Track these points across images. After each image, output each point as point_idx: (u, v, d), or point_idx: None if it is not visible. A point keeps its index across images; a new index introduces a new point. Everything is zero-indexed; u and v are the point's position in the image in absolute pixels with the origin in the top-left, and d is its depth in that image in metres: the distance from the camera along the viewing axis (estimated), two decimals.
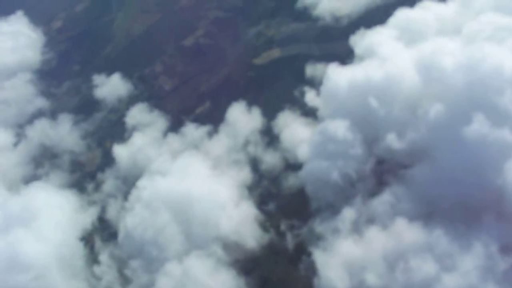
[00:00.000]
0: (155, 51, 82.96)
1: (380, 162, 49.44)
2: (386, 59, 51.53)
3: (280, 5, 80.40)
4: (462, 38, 49.61)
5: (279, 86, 68.11)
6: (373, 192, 48.41)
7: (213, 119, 66.21)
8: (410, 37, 53.73)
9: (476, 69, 44.65)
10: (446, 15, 55.43)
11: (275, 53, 74.43)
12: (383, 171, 49.30)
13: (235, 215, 52.28)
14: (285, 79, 68.70)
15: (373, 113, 49.30)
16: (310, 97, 60.91)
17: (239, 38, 78.94)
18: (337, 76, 53.71)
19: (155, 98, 75.14)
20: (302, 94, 62.98)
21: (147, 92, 76.88)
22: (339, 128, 49.93)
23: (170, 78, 79.54)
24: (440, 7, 57.38)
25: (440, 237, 42.09)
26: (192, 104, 72.55)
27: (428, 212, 44.43)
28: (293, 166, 56.21)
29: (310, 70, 65.11)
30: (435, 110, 46.05)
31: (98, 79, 79.03)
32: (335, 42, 69.26)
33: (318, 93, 60.45)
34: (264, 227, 52.80)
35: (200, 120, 67.53)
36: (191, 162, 56.90)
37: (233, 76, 73.95)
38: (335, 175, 48.98)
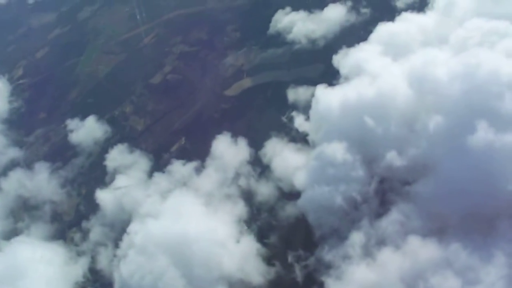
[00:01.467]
0: (123, 92, 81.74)
1: (382, 181, 48.78)
2: (376, 75, 51.63)
3: (246, 35, 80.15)
4: (451, 47, 50.11)
5: (260, 115, 67.84)
6: (379, 213, 47.95)
7: (192, 155, 64.87)
8: (396, 51, 54.02)
9: (472, 76, 45.01)
10: (428, 26, 56.17)
11: (246, 82, 74.31)
12: (387, 190, 49.02)
13: (236, 251, 51.09)
14: (264, 107, 68.39)
15: (370, 133, 49.09)
16: (298, 122, 60.40)
17: (208, 71, 78.52)
18: (326, 98, 53.53)
19: (127, 139, 73.27)
20: (287, 120, 62.47)
21: (119, 134, 75.05)
22: (337, 151, 49.49)
23: (141, 117, 78.27)
24: (421, 18, 58.26)
25: (458, 251, 41.64)
26: (167, 142, 71.16)
27: (440, 227, 44.02)
28: (289, 195, 55.44)
29: (292, 94, 64.24)
30: (434, 122, 46.14)
31: (72, 123, 76.96)
32: (314, 64, 69.13)
33: (305, 117, 59.91)
34: (268, 261, 51.70)
35: (179, 157, 65.92)
36: (182, 200, 55.54)
37: (206, 110, 73.29)
38: (339, 200, 48.33)
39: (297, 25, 72.40)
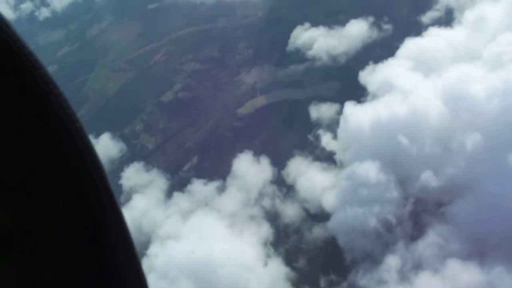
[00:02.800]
0: (133, 110, 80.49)
1: (417, 202, 47.32)
2: (408, 92, 50.40)
3: (259, 53, 79.04)
4: (485, 63, 49.07)
5: (278, 133, 66.29)
6: (415, 236, 46.63)
7: (211, 173, 63.43)
8: (426, 67, 53.05)
9: (511, 93, 43.48)
10: (458, 41, 55.05)
11: (260, 101, 72.98)
12: (422, 212, 47.47)
13: (265, 275, 49.33)
14: (281, 125, 66.95)
15: (403, 152, 47.98)
16: (325, 141, 58.74)
17: (220, 89, 77.34)
18: (356, 116, 52.09)
19: (139, 158, 71.89)
20: (314, 138, 60.61)
21: (130, 152, 73.67)
22: (370, 170, 48.20)
23: (152, 135, 77.04)
24: (449, 33, 56.99)
25: (501, 275, 40.21)
26: (178, 161, 69.71)
27: (480, 250, 42.74)
28: (316, 216, 54.06)
29: (314, 112, 62.96)
30: (472, 141, 44.87)
31: None
32: (329, 82, 68.14)
33: (331, 136, 58.44)
34: (298, 285, 49.96)
35: (197, 176, 64.46)
36: (204, 221, 54.18)
37: (218, 128, 72.02)
38: (373, 222, 46.75)
39: (318, 41, 71.04)
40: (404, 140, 47.88)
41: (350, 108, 54.46)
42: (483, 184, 43.57)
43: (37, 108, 1.86)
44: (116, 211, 2.23)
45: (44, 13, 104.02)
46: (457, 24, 60.79)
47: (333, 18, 74.23)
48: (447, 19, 64.60)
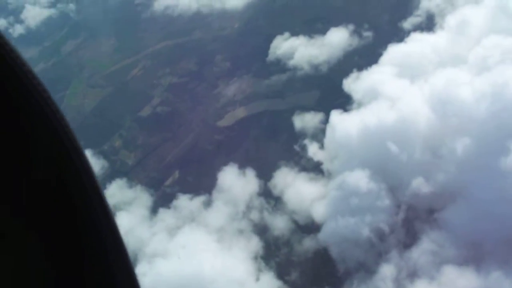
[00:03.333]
0: (111, 126, 79.16)
1: (409, 209, 46.74)
2: (394, 98, 49.98)
3: (237, 64, 78.23)
4: (471, 67, 48.79)
5: (261, 144, 65.36)
6: (408, 243, 46.01)
7: (196, 188, 62.33)
8: (411, 73, 52.74)
9: (500, 96, 43.68)
10: (441, 46, 54.95)
11: (240, 112, 72.13)
12: (414, 219, 46.89)
13: None
14: (264, 136, 65.97)
15: (393, 159, 47.58)
16: (312, 151, 57.95)
17: (198, 102, 76.32)
18: (343, 124, 51.53)
19: (119, 175, 70.50)
20: (298, 148, 60.16)
21: (110, 169, 72.23)
22: (360, 179, 47.62)
23: (131, 151, 75.63)
24: (432, 38, 56.83)
25: (498, 280, 39.86)
26: (160, 176, 68.52)
27: (476, 255, 42.33)
28: (306, 228, 53.22)
29: (299, 122, 62.42)
30: (462, 145, 44.55)
31: None
32: (309, 92, 67.67)
33: (315, 145, 57.93)
34: None
35: (182, 191, 63.22)
36: (192, 237, 52.98)
37: (199, 142, 70.97)
38: (365, 231, 45.94)
39: (299, 50, 70.45)
40: (393, 147, 47.41)
41: (337, 116, 53.89)
42: (475, 189, 43.27)
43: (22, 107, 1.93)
44: (105, 210, 2.28)
45: (18, 30, 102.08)
46: (439, 29, 60.85)
47: (313, 27, 73.89)
48: (428, 24, 64.58)
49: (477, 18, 55.25)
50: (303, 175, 57.51)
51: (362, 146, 49.61)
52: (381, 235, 46.97)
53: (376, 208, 47.16)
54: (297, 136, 62.21)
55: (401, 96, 50.38)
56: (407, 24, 66.61)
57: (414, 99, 49.35)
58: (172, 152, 72.15)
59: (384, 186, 47.37)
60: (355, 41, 69.11)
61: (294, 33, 73.39)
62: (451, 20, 58.45)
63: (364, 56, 64.41)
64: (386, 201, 47.02)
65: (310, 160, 58.56)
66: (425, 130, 47.48)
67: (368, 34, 69.11)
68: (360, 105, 54.50)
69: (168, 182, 67.53)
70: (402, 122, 48.17)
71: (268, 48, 73.81)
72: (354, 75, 60.34)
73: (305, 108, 64.39)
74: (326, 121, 59.65)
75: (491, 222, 41.55)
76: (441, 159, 46.14)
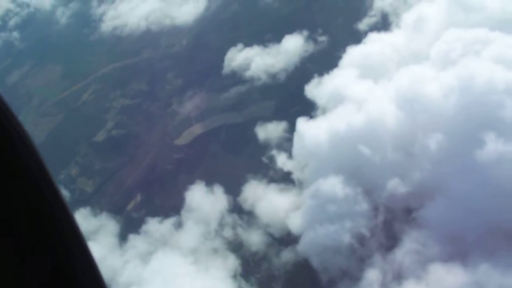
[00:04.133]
0: (66, 154, 76.49)
1: (387, 211, 46.01)
2: (360, 100, 49.27)
3: (189, 81, 76.71)
4: (433, 62, 48.50)
5: (229, 159, 64.11)
6: (390, 246, 45.21)
7: (163, 210, 60.49)
8: (373, 73, 52.34)
9: (468, 88, 43.42)
10: (400, 44, 54.63)
11: (197, 129, 70.60)
12: (393, 220, 46.19)
13: None
14: (233, 149, 64.81)
15: (366, 162, 46.84)
16: (281, 161, 56.87)
17: (153, 122, 74.62)
18: (310, 131, 50.46)
19: (79, 203, 67.96)
20: (264, 159, 58.82)
21: (70, 199, 69.60)
22: (335, 185, 46.56)
23: (89, 178, 73.26)
24: (390, 37, 56.42)
25: (488, 272, 39.26)
26: (122, 201, 66.39)
27: (460, 250, 41.86)
28: (282, 240, 52.08)
29: (262, 132, 61.17)
30: (435, 141, 44.08)
31: None
32: (263, 102, 66.72)
33: (281, 155, 56.83)
34: None
35: (149, 214, 61.19)
36: (167, 262, 51.04)
37: (158, 162, 69.16)
38: (345, 238, 44.87)
39: (255, 61, 69.19)
40: (364, 150, 46.62)
41: (303, 124, 52.79)
42: (451, 183, 42.99)
43: None
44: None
45: None
46: (395, 28, 60.65)
47: (266, 36, 72.88)
48: (384, 24, 64.42)
49: (433, 14, 55.40)
50: (273, 187, 56.30)
51: (333, 152, 48.71)
52: (362, 240, 46.11)
53: (354, 213, 46.27)
54: (262, 148, 61.05)
55: (367, 97, 49.77)
56: (362, 25, 66.28)
57: (380, 100, 48.84)
58: (132, 175, 70.12)
59: (360, 190, 46.53)
60: (311, 47, 68.51)
61: (248, 44, 72.27)
62: (407, 18, 58.51)
63: (322, 61, 63.84)
64: (363, 205, 46.20)
65: (278, 170, 57.44)
66: (394, 129, 46.95)
67: (323, 38, 68.61)
68: (324, 110, 53.72)
69: (131, 206, 65.46)
70: (370, 124, 47.50)
71: (222, 61, 72.33)
72: (315, 80, 59.39)
73: (267, 118, 63.36)
74: (290, 129, 58.93)
75: (472, 215, 41.28)
76: (414, 157, 45.66)
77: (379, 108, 47.95)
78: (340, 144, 48.25)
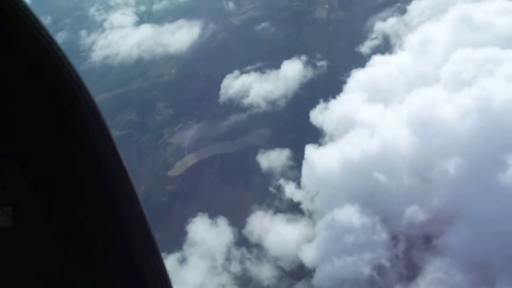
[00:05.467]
0: None
1: (407, 240, 44.17)
2: (371, 125, 47.56)
3: (180, 111, 74.54)
4: (445, 84, 47.37)
5: (231, 189, 61.77)
6: (412, 276, 43.23)
7: (163, 246, 57.82)
8: (382, 96, 50.74)
9: (484, 109, 42.31)
10: (407, 66, 53.12)
11: (190, 160, 68.29)
12: (414, 249, 44.40)
13: None
14: (234, 179, 62.48)
15: (382, 189, 44.98)
16: (287, 190, 54.72)
17: (145, 153, 72.28)
18: (320, 159, 48.58)
19: None
20: (271, 189, 56.71)
21: None
22: (351, 215, 44.52)
23: None
24: (395, 59, 55.15)
25: None
26: None
27: (485, 276, 40.24)
28: (294, 273, 49.75)
29: (265, 161, 59.26)
30: (453, 165, 42.57)
31: None
32: (257, 130, 64.93)
33: (287, 183, 54.83)
34: None
35: None
36: None
37: (151, 195, 66.60)
38: (366, 270, 42.93)
39: (254, 87, 67.25)
40: (380, 177, 44.88)
41: (312, 151, 50.97)
42: (473, 207, 41.49)
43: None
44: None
45: None
46: (399, 50, 59.45)
47: (263, 62, 71.15)
48: (386, 46, 63.22)
49: (439, 34, 54.26)
50: (281, 217, 54.16)
51: (346, 180, 46.93)
52: (382, 271, 44.15)
53: (373, 243, 44.40)
54: (265, 177, 58.95)
55: (378, 122, 48.14)
56: (364, 48, 64.91)
57: (393, 124, 47.24)
58: None
59: (377, 218, 44.64)
60: (310, 72, 66.73)
61: (244, 71, 70.42)
62: (412, 40, 57.32)
63: (323, 86, 62.38)
64: (382, 235, 44.24)
65: (284, 200, 55.41)
66: (409, 154, 45.48)
67: (322, 63, 66.81)
68: (332, 137, 51.95)
69: None
70: (384, 149, 45.95)
71: (218, 89, 70.30)
72: (320, 106, 57.62)
73: (268, 146, 61.37)
74: (293, 157, 57.30)
75: (496, 239, 39.64)
76: (432, 182, 44.15)
77: (392, 132, 46.43)
78: (353, 171, 46.55)
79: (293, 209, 54.10)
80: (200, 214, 57.48)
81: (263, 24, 77.89)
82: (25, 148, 2.41)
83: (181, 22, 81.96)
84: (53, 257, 2.49)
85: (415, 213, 43.53)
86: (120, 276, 2.66)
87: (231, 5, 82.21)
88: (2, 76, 2.34)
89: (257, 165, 60.37)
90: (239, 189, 61.33)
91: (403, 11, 65.76)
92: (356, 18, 72.64)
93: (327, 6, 76.25)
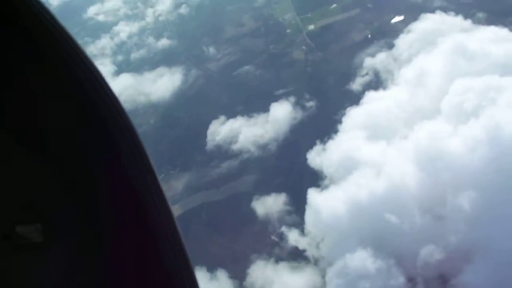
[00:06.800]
0: None
1: (425, 282, 42.07)
2: (376, 164, 45.52)
3: (161, 160, 71.70)
4: (448, 116, 45.89)
5: (227, 238, 58.86)
6: None
7: None
8: (383, 133, 49.28)
9: (493, 139, 40.96)
10: (403, 101, 51.86)
11: (176, 210, 65.36)
12: None
13: None
14: (230, 228, 59.59)
15: (394, 230, 42.78)
16: (293, 238, 52.19)
17: None
18: (325, 203, 46.58)
19: None
20: (268, 236, 54.15)
21: None
22: (364, 260, 42.24)
23: None
24: (390, 94, 53.73)
25: None
26: None
27: None
28: None
29: (261, 207, 56.83)
30: (467, 199, 40.71)
31: None
32: (244, 177, 62.38)
33: (287, 230, 52.51)
34: None
35: None
36: None
37: None
38: None
39: (243, 133, 64.92)
40: (390, 217, 42.96)
41: (314, 196, 48.95)
42: (490, 240, 39.85)
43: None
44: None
45: None
46: (391, 84, 58.12)
47: (250, 106, 69.01)
48: (377, 82, 61.82)
49: (434, 66, 53.18)
50: (284, 265, 51.53)
51: (354, 223, 44.85)
52: None
53: None
54: (263, 224, 56.41)
55: (382, 160, 46.45)
56: (355, 85, 63.35)
57: (398, 161, 45.57)
58: None
59: (392, 261, 42.46)
60: (299, 114, 64.79)
61: (231, 116, 68.15)
62: (407, 73, 56.16)
63: (316, 126, 60.36)
64: (399, 278, 42.00)
65: (286, 247, 52.91)
66: (419, 192, 43.69)
67: (311, 104, 64.77)
68: (334, 179, 49.94)
69: None
70: (392, 188, 44.19)
71: (205, 136, 67.75)
72: (318, 147, 55.65)
73: (263, 192, 58.88)
74: (291, 202, 55.06)
75: None
76: (445, 219, 42.29)
77: (398, 170, 44.72)
78: (361, 213, 44.57)
79: (296, 256, 51.58)
80: (197, 267, 54.53)
81: (243, 68, 76.34)
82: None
83: (161, 69, 79.92)
84: None
85: (430, 253, 41.62)
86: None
87: (211, 50, 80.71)
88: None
89: (252, 212, 57.87)
90: (234, 238, 58.57)
91: (390, 46, 64.76)
92: (337, 57, 71.58)
93: (304, 47, 75.24)
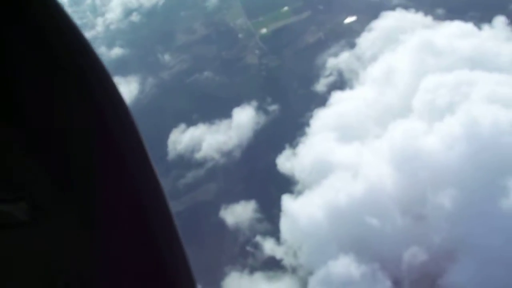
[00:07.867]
0: None
1: (412, 284, 41.01)
2: (351, 166, 44.28)
3: None
4: (420, 113, 44.97)
5: (196, 250, 56.54)
6: None
7: None
8: (354, 134, 48.14)
9: (472, 134, 40.35)
10: (371, 100, 50.87)
11: None
12: None
13: None
14: (197, 238, 57.26)
15: (375, 233, 41.77)
16: (269, 247, 50.35)
17: None
18: (301, 209, 44.99)
19: None
20: (241, 246, 52.42)
21: None
22: (348, 265, 40.88)
23: None
24: (357, 93, 52.71)
25: None
26: None
27: None
28: None
29: (230, 216, 55.07)
30: (448, 196, 39.96)
31: None
32: (204, 186, 60.43)
33: (262, 239, 50.87)
34: None
35: None
36: None
37: None
38: None
39: (206, 140, 62.68)
40: (370, 220, 41.76)
41: (289, 202, 47.24)
42: (474, 237, 39.08)
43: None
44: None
45: None
46: (356, 84, 57.11)
47: (211, 113, 66.83)
48: (342, 82, 60.73)
49: (401, 64, 52.37)
50: (260, 276, 49.69)
51: (332, 228, 43.45)
52: None
53: None
54: (233, 233, 54.53)
55: (357, 161, 45.15)
56: (320, 86, 62.12)
57: (374, 161, 44.42)
58: None
59: (376, 265, 41.20)
60: (262, 118, 63.09)
61: (191, 123, 65.79)
62: (373, 72, 55.17)
63: (281, 130, 58.92)
64: (385, 282, 40.78)
65: (260, 257, 51.16)
66: (398, 192, 42.70)
67: (274, 108, 63.42)
68: (307, 183, 48.43)
69: None
70: (369, 190, 43.06)
71: (165, 146, 65.14)
72: (287, 152, 54.10)
73: (230, 201, 56.91)
74: (261, 209, 53.46)
75: (503, 267, 37.34)
76: (427, 219, 41.28)
77: (375, 171, 43.55)
78: (340, 218, 43.18)
79: (273, 266, 49.86)
80: None
81: (198, 75, 74.42)
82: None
83: (116, 79, 76.51)
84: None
85: (414, 254, 40.62)
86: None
87: (166, 57, 78.56)
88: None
89: (221, 222, 55.85)
90: (205, 250, 56.41)
91: (352, 45, 63.91)
92: (294, 59, 70.37)
93: (257, 52, 73.90)
